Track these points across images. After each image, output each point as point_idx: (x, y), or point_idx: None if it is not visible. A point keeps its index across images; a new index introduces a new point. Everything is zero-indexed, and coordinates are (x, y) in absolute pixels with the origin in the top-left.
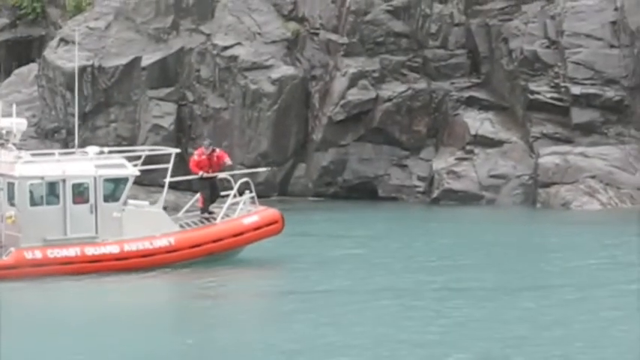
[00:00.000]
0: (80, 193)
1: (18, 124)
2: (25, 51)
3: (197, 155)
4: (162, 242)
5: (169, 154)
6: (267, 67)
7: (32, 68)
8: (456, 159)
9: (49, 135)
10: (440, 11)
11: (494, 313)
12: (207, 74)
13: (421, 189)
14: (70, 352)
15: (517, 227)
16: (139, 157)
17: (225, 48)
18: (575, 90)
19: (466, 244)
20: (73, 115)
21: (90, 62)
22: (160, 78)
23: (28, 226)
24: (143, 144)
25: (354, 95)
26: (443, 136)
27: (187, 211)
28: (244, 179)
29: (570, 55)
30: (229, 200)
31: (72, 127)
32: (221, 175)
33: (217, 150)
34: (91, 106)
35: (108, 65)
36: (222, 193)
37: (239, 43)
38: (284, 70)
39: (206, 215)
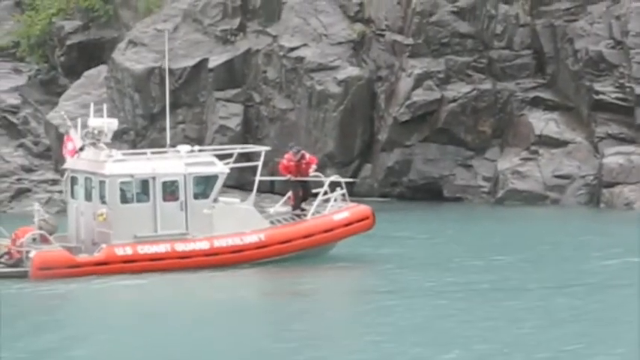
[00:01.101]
0: (170, 191)
1: (109, 123)
2: (98, 53)
3: (286, 160)
4: (252, 238)
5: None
6: (333, 68)
7: (102, 70)
8: (521, 159)
9: (118, 136)
10: (505, 12)
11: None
12: (274, 75)
13: (486, 189)
14: (164, 348)
15: (578, 227)
16: (230, 156)
17: (292, 49)
18: None
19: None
20: (142, 117)
21: (158, 64)
22: (226, 79)
23: (118, 223)
24: (210, 144)
25: (420, 96)
26: (508, 137)
27: (279, 208)
28: (335, 176)
29: (635, 55)
30: (319, 197)
31: (140, 129)
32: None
33: (307, 156)
34: (159, 108)
35: (176, 67)
36: (314, 191)
37: (305, 45)
38: (350, 71)
39: (297, 212)
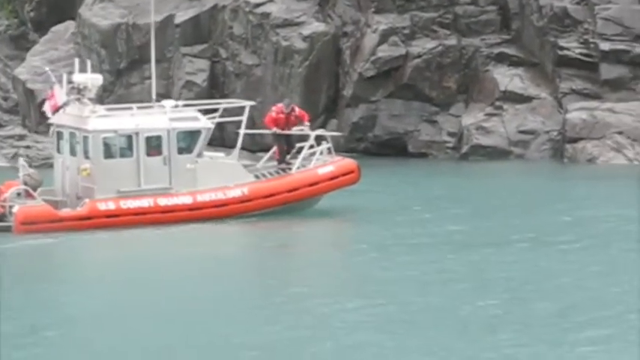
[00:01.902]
0: (154, 146)
1: (93, 79)
2: (67, 8)
3: (275, 112)
4: (235, 192)
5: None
6: (299, 24)
7: (69, 25)
8: (486, 115)
9: None
10: None
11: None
12: (240, 31)
13: (451, 145)
14: (143, 303)
15: (536, 181)
16: (215, 110)
17: (258, 5)
18: (604, 46)
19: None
20: (108, 72)
21: (124, 20)
22: (193, 35)
23: (102, 178)
24: (177, 100)
25: (385, 52)
26: (473, 92)
27: (265, 162)
28: (319, 130)
29: (600, 11)
30: (304, 151)
31: (107, 84)
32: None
33: (297, 109)
34: (125, 64)
35: (142, 22)
36: (298, 145)
37: (271, 0)
38: (315, 26)
39: (283, 166)
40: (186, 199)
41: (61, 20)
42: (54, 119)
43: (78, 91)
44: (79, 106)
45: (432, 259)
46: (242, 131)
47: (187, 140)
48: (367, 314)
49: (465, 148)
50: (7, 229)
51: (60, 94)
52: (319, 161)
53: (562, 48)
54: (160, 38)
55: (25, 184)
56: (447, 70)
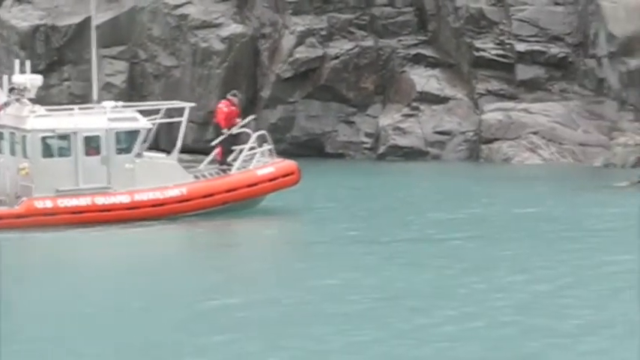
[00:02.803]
0: (92, 146)
1: (32, 79)
2: None
3: (226, 107)
4: (173, 192)
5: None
6: (217, 26)
7: None
8: (402, 115)
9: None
10: None
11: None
12: (159, 33)
13: (368, 145)
14: (77, 302)
15: (445, 181)
16: (157, 111)
17: (176, 7)
18: (520, 47)
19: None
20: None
21: (43, 21)
22: (112, 36)
23: (40, 177)
24: (96, 102)
25: (302, 53)
26: (390, 93)
27: (208, 163)
28: (261, 132)
29: (515, 12)
30: (245, 152)
31: None
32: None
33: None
34: (44, 65)
35: (61, 24)
36: (238, 147)
37: (189, 2)
38: (233, 28)
39: (224, 167)
40: (124, 199)
41: None
42: None
43: (17, 91)
44: (18, 107)
45: (316, 256)
46: (181, 133)
47: (126, 140)
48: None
49: (381, 149)
50: None
51: (0, 94)
52: (259, 162)
53: (478, 49)
54: (78, 40)
55: None
56: (364, 71)
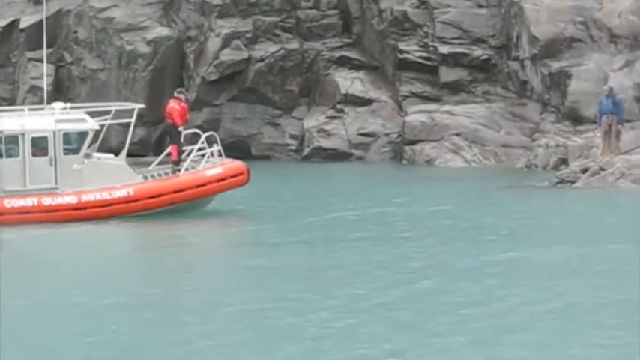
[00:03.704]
0: (40, 147)
1: None
2: None
3: (178, 105)
4: (121, 193)
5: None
6: (143, 29)
7: None
8: (327, 117)
9: None
10: None
11: None
12: (85, 36)
13: (293, 147)
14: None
15: (359, 181)
16: (108, 112)
17: (102, 10)
18: (444, 49)
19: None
20: None
21: None
22: (38, 39)
23: None
24: (22, 104)
25: (227, 56)
26: (315, 96)
27: (159, 164)
28: (210, 133)
29: (439, 14)
30: (193, 153)
31: None
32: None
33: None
34: None
35: None
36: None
37: (115, 5)
38: (159, 31)
39: (174, 168)
40: (71, 199)
41: None
42: None
43: None
44: None
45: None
46: (130, 133)
47: (74, 141)
48: None
49: (306, 151)
50: None
51: None
52: (208, 163)
53: (402, 51)
54: (5, 43)
55: None
56: (289, 73)
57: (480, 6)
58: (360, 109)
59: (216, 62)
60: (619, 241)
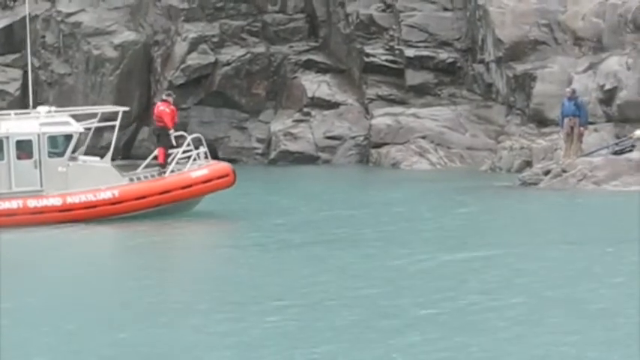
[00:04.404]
0: (24, 150)
1: None
2: None
3: (168, 108)
4: (106, 194)
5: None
6: (110, 33)
7: None
8: (294, 121)
9: None
10: None
11: None
12: (52, 40)
13: (260, 150)
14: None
15: (321, 184)
16: (94, 115)
17: (70, 14)
18: (409, 52)
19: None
20: None
21: None
22: (6, 44)
23: None
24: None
25: (194, 60)
26: (282, 99)
27: (146, 166)
28: (196, 135)
29: (405, 18)
30: (178, 154)
31: None
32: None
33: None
34: None
35: None
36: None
37: (83, 10)
38: (126, 35)
39: (161, 170)
40: (56, 201)
41: None
42: None
43: None
44: None
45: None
46: (115, 136)
47: (59, 144)
48: None
49: (273, 154)
50: None
51: None
52: (194, 164)
53: (368, 55)
54: None
55: None
56: (256, 77)
57: (446, 9)
58: (326, 112)
59: (183, 66)
60: (530, 242)
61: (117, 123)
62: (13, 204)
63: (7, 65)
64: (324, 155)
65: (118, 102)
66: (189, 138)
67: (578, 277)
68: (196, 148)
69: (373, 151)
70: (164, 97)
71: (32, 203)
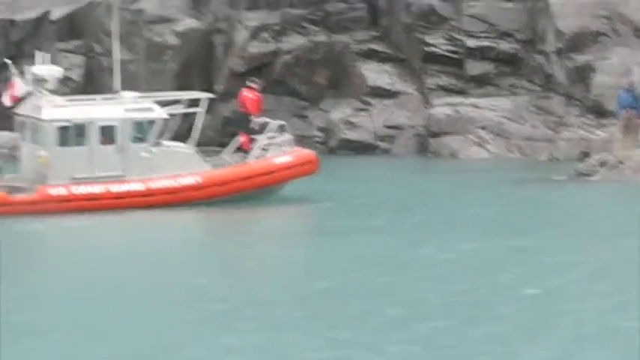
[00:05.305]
0: (107, 135)
1: (51, 71)
2: None
3: (252, 94)
4: (188, 180)
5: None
6: (172, 20)
7: None
8: (353, 110)
9: None
10: None
11: None
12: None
13: (320, 139)
14: (95, 290)
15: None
16: (177, 102)
17: (132, 1)
18: (470, 43)
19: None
20: None
21: (2, 16)
22: (69, 31)
23: (56, 165)
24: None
25: (255, 48)
26: (342, 88)
27: (232, 152)
28: (281, 121)
29: (466, 8)
30: (263, 141)
31: None
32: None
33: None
34: (3, 59)
35: (19, 19)
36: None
37: None
38: (188, 23)
39: (245, 156)
40: (138, 186)
41: None
42: (18, 109)
43: (37, 82)
44: (37, 97)
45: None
46: (199, 122)
47: (142, 130)
48: None
49: (332, 143)
50: None
51: (19, 85)
52: (278, 151)
53: (429, 44)
54: (36, 34)
55: None
56: (317, 66)
57: (507, 0)
58: (386, 101)
59: (244, 54)
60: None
61: (201, 109)
62: (96, 188)
63: (70, 52)
64: (383, 144)
65: (178, 89)
66: (273, 124)
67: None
68: (281, 134)
69: (432, 140)
70: (249, 83)
71: (114, 188)
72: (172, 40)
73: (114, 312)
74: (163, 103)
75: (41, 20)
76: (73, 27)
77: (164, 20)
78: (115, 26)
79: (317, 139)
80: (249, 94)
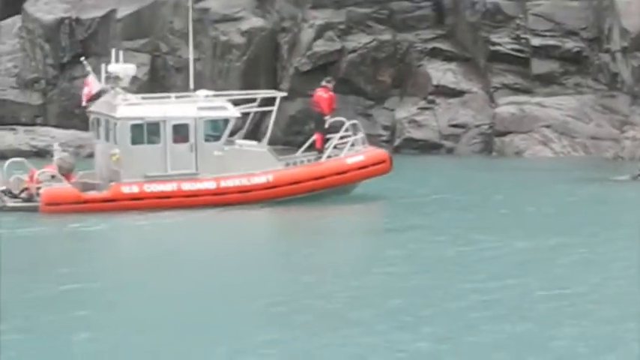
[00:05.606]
0: (180, 133)
1: (125, 69)
2: (17, 3)
3: (326, 94)
4: (260, 179)
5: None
6: (238, 19)
7: (17, 20)
8: (418, 108)
9: (29, 85)
10: None
11: None
12: (180, 26)
13: (385, 138)
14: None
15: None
16: (252, 100)
17: (198, 0)
18: (535, 41)
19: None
20: (52, 66)
21: (68, 14)
22: (134, 29)
23: (129, 163)
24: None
25: (320, 47)
26: (407, 87)
27: (305, 151)
28: (354, 121)
29: (531, 7)
30: (335, 140)
31: (50, 78)
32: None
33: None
34: (69, 57)
35: (85, 17)
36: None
37: None
38: (253, 22)
39: (319, 155)
40: (210, 185)
41: (11, 15)
42: (92, 107)
43: (111, 80)
44: (112, 94)
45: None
46: (272, 121)
47: (215, 129)
48: None
49: (397, 142)
50: (35, 209)
51: (94, 83)
52: (350, 150)
53: (494, 43)
54: (102, 33)
55: (60, 167)
56: (382, 64)
57: None
58: (451, 100)
59: (309, 53)
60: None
61: (274, 108)
62: (168, 186)
63: (136, 50)
64: (447, 143)
65: (244, 88)
66: (347, 123)
67: None
68: (354, 134)
69: (497, 139)
70: (324, 83)
71: (187, 186)
72: (238, 39)
73: (226, 311)
74: (237, 102)
75: (107, 19)
76: (138, 25)
77: (230, 19)
78: (188, 26)
79: (382, 137)
80: (323, 94)
